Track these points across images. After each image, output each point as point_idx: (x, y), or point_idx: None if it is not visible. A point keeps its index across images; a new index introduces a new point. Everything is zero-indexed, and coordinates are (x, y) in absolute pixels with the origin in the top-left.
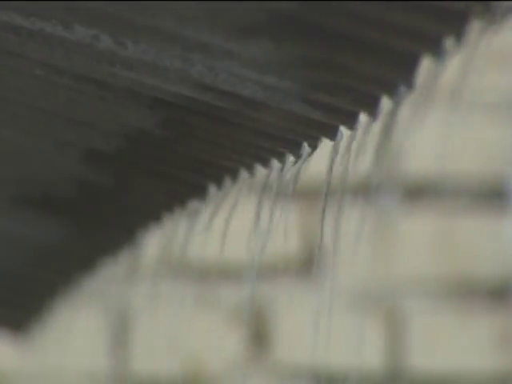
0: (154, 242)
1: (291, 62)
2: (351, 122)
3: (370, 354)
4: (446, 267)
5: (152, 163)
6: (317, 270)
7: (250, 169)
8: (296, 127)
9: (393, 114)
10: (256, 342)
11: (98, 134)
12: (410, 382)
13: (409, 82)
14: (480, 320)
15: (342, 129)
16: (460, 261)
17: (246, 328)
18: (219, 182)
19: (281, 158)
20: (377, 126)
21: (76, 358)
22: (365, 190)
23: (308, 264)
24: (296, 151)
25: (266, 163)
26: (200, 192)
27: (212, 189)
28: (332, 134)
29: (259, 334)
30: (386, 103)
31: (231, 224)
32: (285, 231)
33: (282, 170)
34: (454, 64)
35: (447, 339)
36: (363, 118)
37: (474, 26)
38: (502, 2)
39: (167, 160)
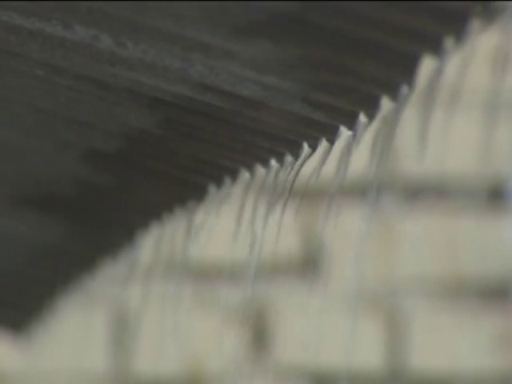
0: (153, 242)
1: (291, 62)
2: (351, 122)
3: (370, 354)
4: (446, 267)
5: (152, 163)
6: (317, 270)
7: (250, 169)
8: (296, 127)
9: (393, 114)
10: (256, 342)
11: (98, 134)
12: (410, 382)
13: (409, 82)
14: (480, 320)
15: (342, 129)
16: (460, 261)
17: (245, 328)
18: (219, 182)
19: (280, 158)
20: (377, 126)
21: (76, 358)
22: (365, 190)
23: (308, 264)
24: (296, 151)
25: (265, 163)
26: (200, 192)
27: (212, 189)
28: (332, 134)
29: (259, 334)
30: (386, 103)
31: (231, 224)
32: (285, 231)
33: (281, 170)
34: (454, 64)
35: (447, 339)
36: (363, 118)
37: (474, 26)
38: (502, 1)
39: (167, 160)
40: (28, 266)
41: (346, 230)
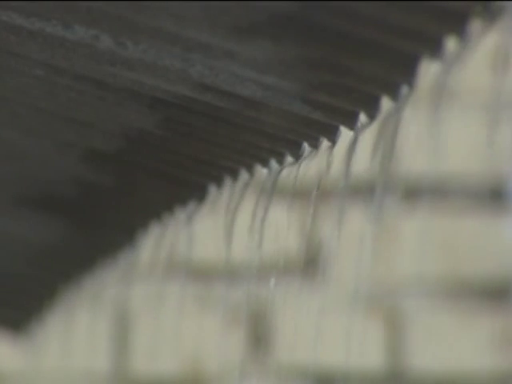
0: (153, 242)
1: (291, 62)
2: (351, 122)
3: (370, 354)
4: (446, 267)
5: (152, 163)
6: (317, 270)
7: (250, 169)
8: (296, 127)
9: (393, 114)
10: (256, 342)
11: (98, 134)
12: (410, 382)
13: (409, 82)
14: (480, 320)
15: (342, 129)
16: (460, 261)
17: (245, 328)
18: (219, 182)
19: (280, 158)
20: (377, 126)
21: (76, 358)
22: (365, 190)
23: (308, 264)
24: (296, 151)
25: (265, 163)
26: (200, 192)
27: (212, 189)
28: (332, 134)
29: (259, 334)
30: (386, 103)
31: (231, 224)
32: (285, 231)
33: (281, 170)
34: (453, 64)
35: (447, 339)
36: (363, 118)
37: (474, 26)
38: (502, 2)
39: (167, 160)
40: (28, 266)
41: (347, 230)
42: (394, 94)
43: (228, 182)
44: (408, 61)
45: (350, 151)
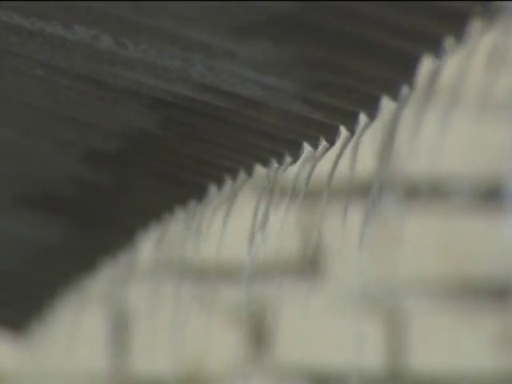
0: (153, 242)
1: (291, 61)
2: (351, 122)
3: (370, 354)
4: (446, 267)
5: (152, 163)
6: (317, 270)
7: (250, 169)
8: (296, 127)
9: (394, 114)
10: (256, 342)
11: (98, 134)
12: (410, 382)
13: (409, 82)
14: (480, 320)
15: (342, 129)
16: (460, 261)
17: (245, 328)
18: (219, 182)
19: (280, 158)
20: (377, 126)
21: (76, 358)
22: (365, 190)
23: (308, 264)
24: (296, 151)
25: (265, 163)
26: (200, 192)
27: (212, 189)
28: (332, 134)
29: (259, 334)
30: (386, 103)
31: (231, 224)
32: (285, 231)
33: (281, 170)
34: (454, 64)
35: (447, 339)
36: (363, 117)
37: (474, 26)
38: (502, 1)
39: (167, 160)
40: (28, 265)
41: (347, 230)
42: (394, 94)
43: (228, 182)
44: (408, 61)
45: (350, 151)
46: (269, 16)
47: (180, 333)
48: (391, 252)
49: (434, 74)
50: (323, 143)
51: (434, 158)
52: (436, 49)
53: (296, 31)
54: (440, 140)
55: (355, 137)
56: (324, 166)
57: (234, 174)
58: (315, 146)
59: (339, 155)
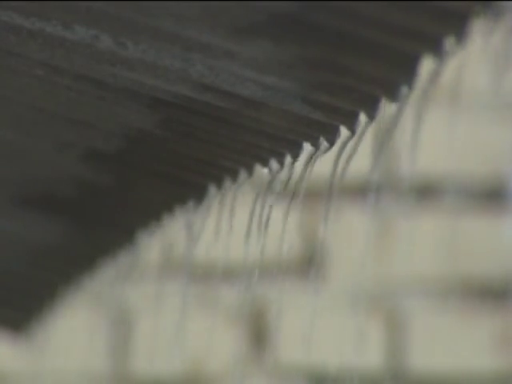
0: (154, 242)
1: (291, 62)
2: (351, 122)
3: (370, 354)
4: (446, 267)
5: (152, 163)
6: (317, 270)
7: (250, 169)
8: (296, 127)
9: (394, 114)
10: (256, 342)
11: (98, 134)
12: (410, 382)
13: (409, 82)
14: (480, 320)
15: (342, 129)
16: (460, 261)
17: (245, 328)
18: (219, 182)
19: (280, 158)
20: (377, 126)
21: (76, 358)
22: (366, 190)
23: (308, 264)
24: (296, 151)
25: (265, 163)
26: (200, 192)
27: (212, 189)
28: (332, 134)
29: (259, 334)
30: (386, 103)
31: (231, 224)
32: (285, 231)
33: (281, 170)
34: (453, 64)
35: (447, 339)
36: (363, 117)
37: (474, 26)
38: (502, 2)
39: (167, 160)
40: (28, 266)
41: (347, 230)
42: (393, 94)
43: (228, 182)
44: (408, 61)
45: (350, 151)
46: (269, 16)
47: (180, 333)
48: (391, 252)
49: (434, 74)
50: (323, 143)
51: (434, 158)
52: (436, 49)
53: (296, 31)
54: (441, 140)
55: (355, 137)
56: (324, 166)
57: (234, 174)
58: (315, 146)
59: (339, 155)
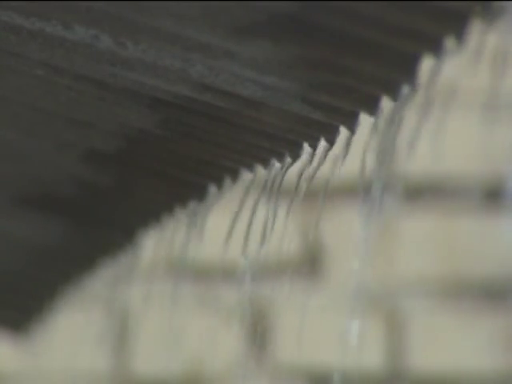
0: (153, 242)
1: (291, 62)
2: (351, 122)
3: (370, 354)
4: (446, 267)
5: (152, 163)
6: (317, 270)
7: (250, 169)
8: (296, 127)
9: (394, 114)
10: (256, 342)
11: (98, 134)
12: (410, 382)
13: (409, 82)
14: (480, 320)
15: (342, 129)
16: (460, 261)
17: (246, 328)
18: (219, 182)
19: (280, 158)
20: (377, 127)
21: (76, 358)
22: (365, 190)
23: (308, 264)
24: (296, 151)
25: (265, 163)
26: (200, 192)
27: (212, 189)
28: (332, 134)
29: (259, 334)
30: (386, 103)
31: (231, 224)
32: (285, 231)
33: (281, 170)
34: (453, 64)
35: (447, 339)
36: (363, 118)
37: (474, 26)
38: (502, 1)
39: (167, 160)
40: (28, 266)
41: (346, 230)
42: (394, 93)
43: (228, 182)
44: (408, 61)
45: (350, 151)
46: (269, 16)
47: (181, 333)
48: (391, 252)
49: (434, 74)
50: (323, 143)
51: (434, 158)
52: (436, 49)
53: (296, 31)
54: (441, 140)
55: (354, 137)
56: (324, 166)
57: (234, 174)
58: (315, 146)
59: (339, 155)
